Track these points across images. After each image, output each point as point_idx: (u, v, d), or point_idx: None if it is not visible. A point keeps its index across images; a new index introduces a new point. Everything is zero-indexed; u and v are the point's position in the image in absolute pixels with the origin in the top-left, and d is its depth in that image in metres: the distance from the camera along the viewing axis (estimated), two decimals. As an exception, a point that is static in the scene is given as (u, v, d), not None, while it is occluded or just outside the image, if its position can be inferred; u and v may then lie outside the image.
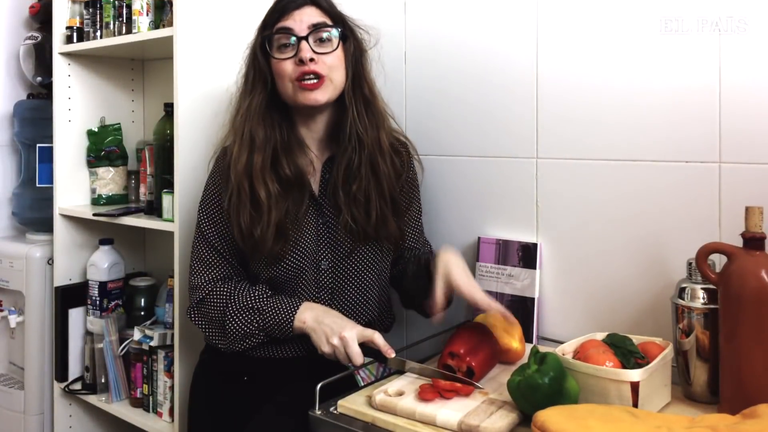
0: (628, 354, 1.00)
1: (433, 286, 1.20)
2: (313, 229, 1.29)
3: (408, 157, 1.38)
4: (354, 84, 1.28)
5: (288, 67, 1.23)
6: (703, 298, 1.04)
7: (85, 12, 1.88)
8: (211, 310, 1.25)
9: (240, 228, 1.23)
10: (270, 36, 1.25)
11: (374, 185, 1.27)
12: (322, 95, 1.24)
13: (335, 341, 1.15)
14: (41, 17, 2.11)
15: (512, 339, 1.20)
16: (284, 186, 1.24)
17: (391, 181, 1.29)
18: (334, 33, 1.25)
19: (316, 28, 1.23)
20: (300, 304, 1.22)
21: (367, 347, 1.16)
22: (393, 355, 1.15)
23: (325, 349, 1.16)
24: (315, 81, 1.22)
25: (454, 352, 1.11)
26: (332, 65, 1.24)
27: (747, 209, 0.99)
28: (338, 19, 1.28)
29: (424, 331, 1.40)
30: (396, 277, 1.39)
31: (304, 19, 1.24)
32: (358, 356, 1.14)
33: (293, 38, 1.23)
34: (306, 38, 1.22)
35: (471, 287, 1.18)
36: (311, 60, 1.21)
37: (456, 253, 1.24)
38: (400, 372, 1.15)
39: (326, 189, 1.30)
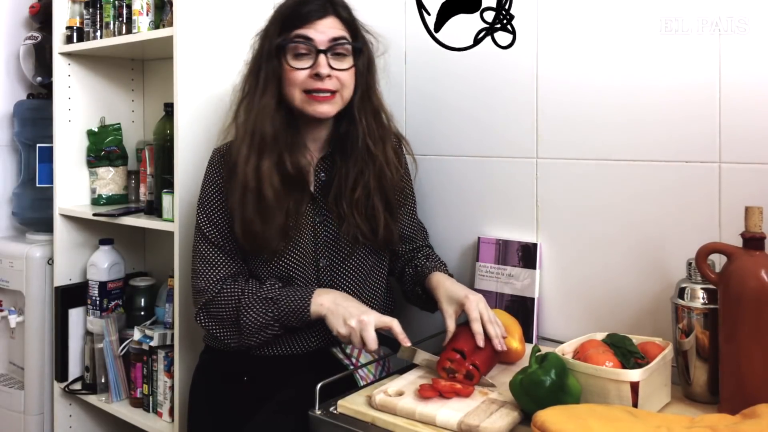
0: (628, 354, 1.00)
1: (441, 312, 1.22)
2: (311, 227, 1.29)
3: (402, 154, 1.39)
4: (363, 97, 1.28)
5: (300, 76, 1.22)
6: (703, 298, 1.04)
7: (85, 12, 1.88)
8: (222, 310, 1.24)
9: (244, 226, 1.22)
10: (287, 41, 1.22)
11: (379, 197, 1.28)
12: (331, 109, 1.24)
13: (353, 323, 1.14)
14: (41, 17, 2.11)
15: (512, 339, 1.20)
16: (287, 185, 1.24)
17: (394, 187, 1.30)
18: (351, 49, 1.25)
19: (336, 42, 1.22)
20: (314, 290, 1.22)
21: (379, 334, 1.15)
22: (409, 344, 1.15)
23: (342, 330, 1.15)
24: (327, 95, 1.22)
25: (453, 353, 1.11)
26: (345, 82, 1.24)
27: (747, 209, 0.99)
28: (356, 33, 1.27)
29: (424, 332, 1.39)
30: (396, 276, 1.41)
31: (326, 31, 1.22)
32: (373, 341, 1.13)
33: (311, 48, 1.21)
34: (325, 52, 1.21)
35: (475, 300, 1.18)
36: (327, 76, 1.21)
37: (447, 277, 1.27)
38: (410, 365, 1.15)
39: (322, 188, 1.30)
